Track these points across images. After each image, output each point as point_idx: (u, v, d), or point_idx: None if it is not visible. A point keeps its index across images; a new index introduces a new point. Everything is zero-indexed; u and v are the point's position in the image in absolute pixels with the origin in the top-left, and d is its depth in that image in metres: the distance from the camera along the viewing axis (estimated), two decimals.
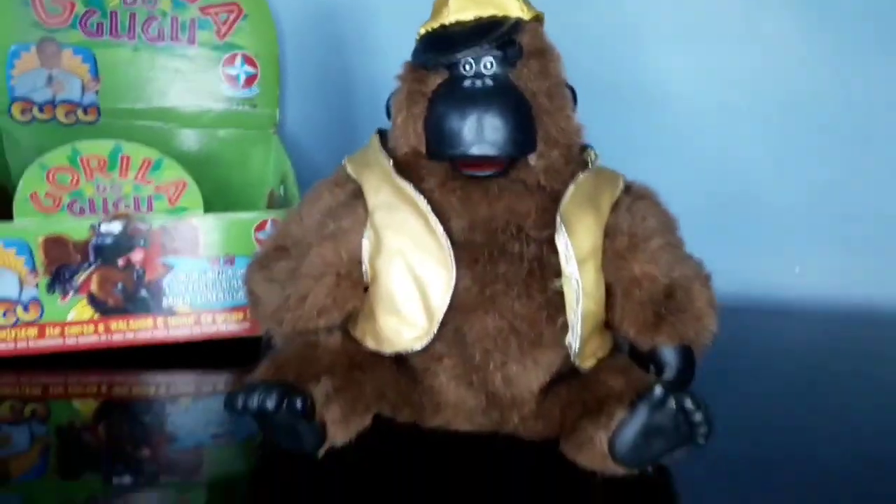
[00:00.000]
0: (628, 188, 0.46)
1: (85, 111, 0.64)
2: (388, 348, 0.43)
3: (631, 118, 0.67)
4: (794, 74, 0.68)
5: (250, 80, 0.67)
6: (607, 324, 0.44)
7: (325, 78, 0.72)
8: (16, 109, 0.62)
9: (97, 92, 0.64)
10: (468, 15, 0.43)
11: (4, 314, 0.49)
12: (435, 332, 0.42)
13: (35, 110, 0.62)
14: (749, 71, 0.68)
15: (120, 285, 0.51)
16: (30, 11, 0.61)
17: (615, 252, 0.43)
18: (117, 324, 0.51)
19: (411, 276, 0.42)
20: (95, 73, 0.64)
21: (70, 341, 0.51)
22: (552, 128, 0.43)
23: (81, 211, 0.49)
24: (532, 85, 0.43)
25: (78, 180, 0.48)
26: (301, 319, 0.42)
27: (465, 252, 0.42)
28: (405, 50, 0.46)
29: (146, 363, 0.52)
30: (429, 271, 0.42)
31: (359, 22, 0.72)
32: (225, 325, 0.53)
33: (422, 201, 0.42)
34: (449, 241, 0.41)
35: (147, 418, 0.48)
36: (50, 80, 0.63)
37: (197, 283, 0.52)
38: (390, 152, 0.44)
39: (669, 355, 0.43)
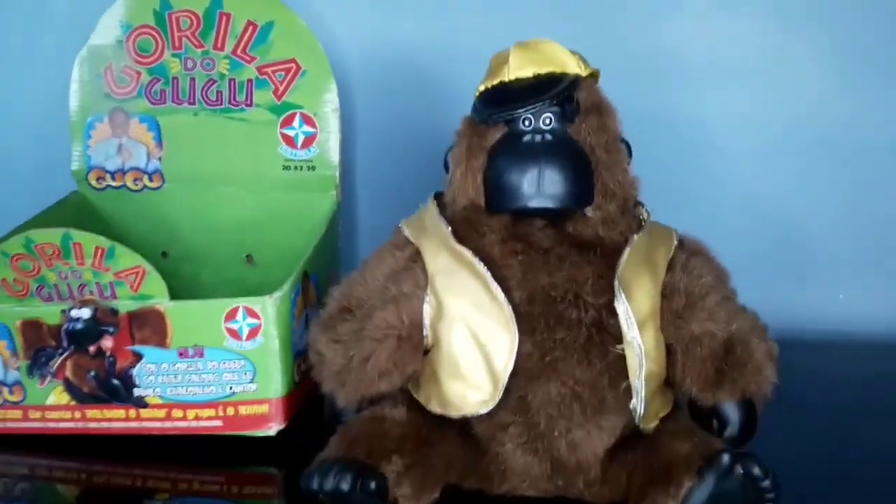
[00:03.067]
0: (681, 243, 0.47)
1: (150, 178, 0.64)
2: (455, 412, 0.44)
3: (668, 160, 0.65)
4: (830, 111, 0.66)
5: (309, 140, 0.63)
6: (666, 380, 0.45)
7: (392, 129, 0.67)
8: (92, 177, 0.64)
9: (160, 158, 0.64)
10: (528, 72, 0.45)
11: None
12: (500, 395, 0.43)
13: (108, 178, 0.64)
14: (785, 110, 0.66)
15: (93, 372, 0.49)
16: (102, 83, 0.63)
17: (673, 312, 0.44)
18: (92, 412, 0.50)
19: (474, 340, 0.43)
20: (159, 139, 0.64)
21: (50, 425, 0.50)
22: (610, 181, 0.45)
23: (49, 297, 0.49)
24: (590, 139, 0.44)
25: (39, 267, 0.48)
26: (363, 381, 0.44)
27: (523, 320, 0.43)
28: (471, 96, 0.46)
29: (124, 452, 0.50)
30: (491, 335, 0.43)
31: (425, 67, 0.65)
32: (196, 421, 0.50)
33: (481, 267, 0.43)
34: (510, 306, 0.42)
35: None
36: (120, 148, 0.64)
37: (166, 374, 0.49)
38: (447, 206, 0.46)
39: (732, 411, 0.44)
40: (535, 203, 0.43)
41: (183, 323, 0.49)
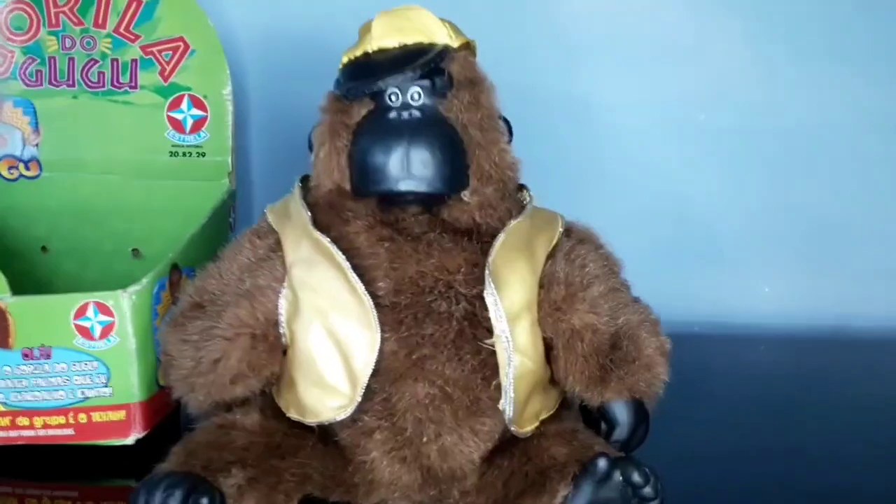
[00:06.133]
0: (568, 230, 0.43)
1: (26, 166, 0.60)
2: (312, 419, 0.40)
3: (572, 141, 0.63)
4: (744, 90, 0.63)
5: (199, 123, 0.59)
6: (553, 380, 0.41)
7: (290, 113, 0.63)
8: None
9: (37, 145, 0.59)
10: (392, 42, 0.41)
11: None
12: (359, 399, 0.39)
13: None
14: (697, 90, 0.64)
15: None
16: None
17: (552, 303, 0.40)
18: None
19: (332, 338, 0.39)
20: (36, 124, 0.59)
21: None
22: (485, 162, 0.41)
23: None
24: (463, 117, 0.41)
25: None
26: (214, 385, 0.40)
27: (389, 314, 0.39)
28: None
29: None
30: (350, 332, 0.39)
31: (325, 47, 0.61)
32: (45, 430, 0.45)
33: (341, 257, 0.39)
34: (371, 300, 0.39)
35: None
36: None
37: (10, 378, 0.44)
38: (312, 191, 0.42)
39: (620, 412, 0.41)
40: (403, 186, 0.39)
41: (27, 320, 0.44)
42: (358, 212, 0.40)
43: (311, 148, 0.42)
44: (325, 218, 0.40)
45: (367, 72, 0.40)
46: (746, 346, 0.61)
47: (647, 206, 0.64)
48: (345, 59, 0.42)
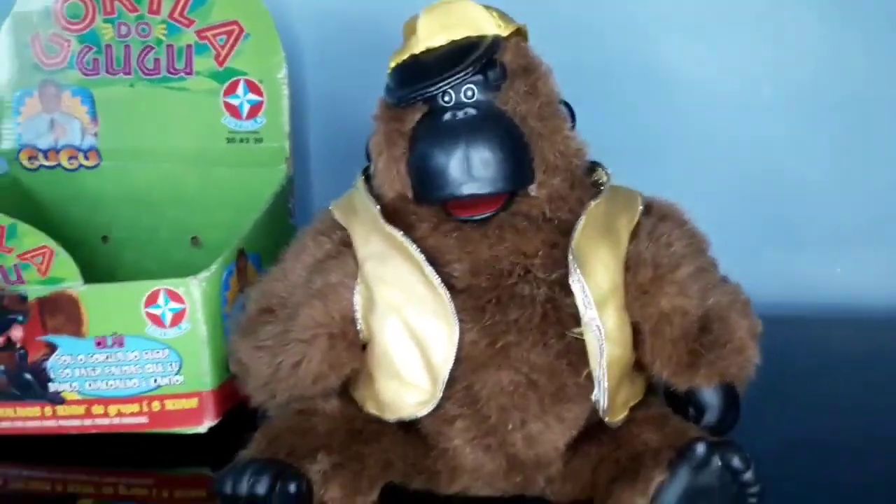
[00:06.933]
0: (648, 207, 0.41)
1: (85, 156, 0.59)
2: (391, 415, 0.39)
3: (653, 117, 0.61)
4: (816, 64, 0.61)
5: (255, 109, 0.58)
6: (637, 364, 0.40)
7: (348, 96, 0.61)
8: (24, 157, 0.59)
9: (96, 134, 0.59)
10: (439, 40, 0.39)
11: None
12: (440, 394, 0.38)
13: (41, 157, 0.60)
14: (777, 63, 0.61)
15: (1, 367, 0.44)
16: (30, 54, 0.58)
17: (639, 286, 0.39)
18: (4, 410, 0.45)
19: (409, 333, 0.38)
20: (94, 113, 0.59)
21: None
22: (549, 152, 0.39)
23: None
24: (521, 108, 0.39)
25: None
26: (296, 388, 0.39)
27: (469, 300, 0.38)
28: None
29: (41, 454, 0.46)
30: (428, 326, 0.38)
31: (382, 28, 0.60)
32: (119, 418, 0.45)
33: (414, 249, 0.38)
34: (448, 292, 0.38)
35: None
36: (52, 124, 0.59)
37: (84, 366, 0.45)
38: (377, 198, 0.41)
39: (710, 396, 0.39)
40: (466, 190, 0.38)
41: (99, 309, 0.44)
42: (422, 215, 0.39)
43: (368, 158, 0.41)
44: (392, 221, 0.39)
45: (417, 76, 0.39)
46: (823, 327, 0.59)
47: (721, 182, 0.62)
48: (392, 64, 0.40)
